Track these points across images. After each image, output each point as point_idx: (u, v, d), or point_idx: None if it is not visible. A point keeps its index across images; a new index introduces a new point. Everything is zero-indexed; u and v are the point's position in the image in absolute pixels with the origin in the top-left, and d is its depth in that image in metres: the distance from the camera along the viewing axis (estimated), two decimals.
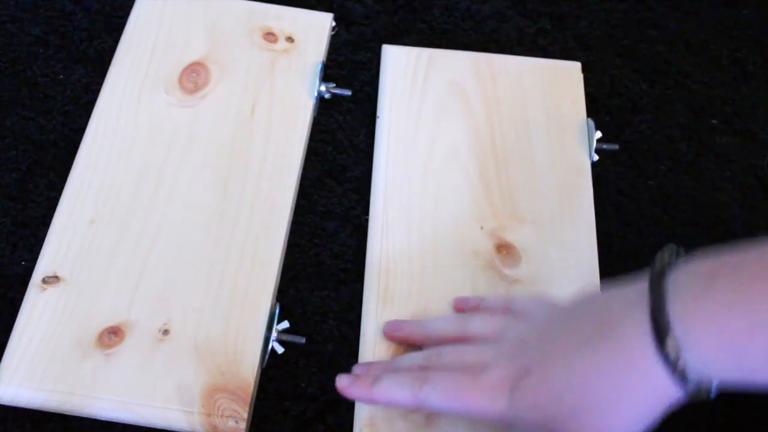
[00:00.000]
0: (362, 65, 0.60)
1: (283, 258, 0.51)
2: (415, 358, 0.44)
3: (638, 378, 0.33)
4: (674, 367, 0.32)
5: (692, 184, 0.57)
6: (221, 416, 0.44)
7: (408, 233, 0.52)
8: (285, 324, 0.48)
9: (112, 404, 0.44)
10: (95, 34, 0.60)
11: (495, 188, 0.54)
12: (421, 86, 0.58)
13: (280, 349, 0.47)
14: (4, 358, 0.45)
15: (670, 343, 0.32)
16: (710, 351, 0.32)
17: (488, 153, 0.55)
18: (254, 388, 0.46)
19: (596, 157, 0.56)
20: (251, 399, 0.45)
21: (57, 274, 0.48)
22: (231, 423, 0.44)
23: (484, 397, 0.38)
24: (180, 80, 0.56)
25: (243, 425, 0.44)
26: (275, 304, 0.49)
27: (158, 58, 0.57)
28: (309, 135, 0.56)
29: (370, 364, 0.46)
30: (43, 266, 0.48)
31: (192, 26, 0.59)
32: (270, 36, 0.59)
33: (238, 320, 0.47)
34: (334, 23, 0.61)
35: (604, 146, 0.56)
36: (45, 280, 0.48)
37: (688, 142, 0.59)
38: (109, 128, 0.54)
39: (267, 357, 0.47)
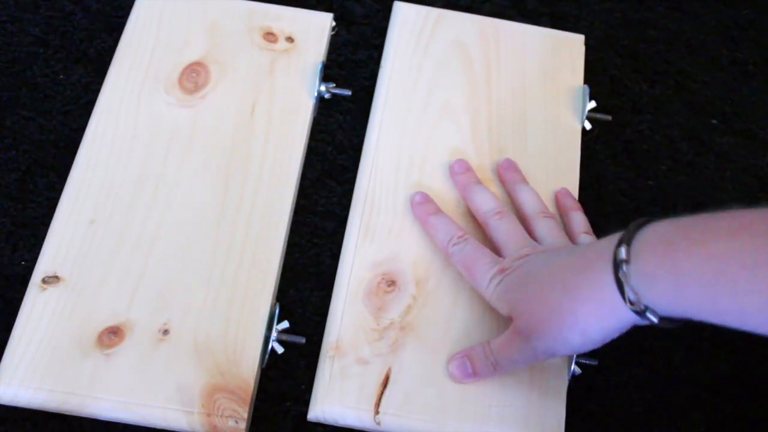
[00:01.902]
0: (362, 65, 0.60)
1: (283, 258, 0.51)
2: (487, 203, 0.51)
3: (596, 300, 0.40)
4: (623, 291, 0.38)
5: (692, 184, 0.57)
6: (221, 416, 0.44)
7: (396, 173, 0.54)
8: (285, 324, 0.48)
9: (112, 404, 0.44)
10: (95, 34, 0.60)
11: (485, 143, 0.55)
12: (425, 42, 0.59)
13: (280, 349, 0.47)
14: (4, 358, 0.45)
15: (623, 272, 0.38)
16: (659, 285, 0.37)
17: (482, 111, 0.57)
18: (254, 388, 0.46)
19: (588, 126, 0.57)
20: (251, 399, 0.45)
21: (57, 274, 0.48)
22: (231, 423, 0.44)
23: (482, 282, 0.47)
24: (180, 80, 0.56)
25: (243, 425, 0.44)
26: (275, 304, 0.49)
27: (158, 58, 0.57)
28: (309, 135, 0.56)
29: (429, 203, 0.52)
30: (43, 266, 0.48)
31: (192, 26, 0.59)
32: (270, 36, 0.59)
33: (238, 320, 0.47)
34: (334, 23, 0.61)
35: (598, 115, 0.57)
36: (45, 280, 0.48)
37: (688, 142, 0.59)
38: (109, 128, 0.54)
39: (267, 357, 0.47)
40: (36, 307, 0.47)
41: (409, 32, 0.60)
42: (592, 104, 0.57)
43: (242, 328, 0.47)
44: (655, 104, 0.60)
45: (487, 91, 0.58)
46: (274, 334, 0.47)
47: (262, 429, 0.46)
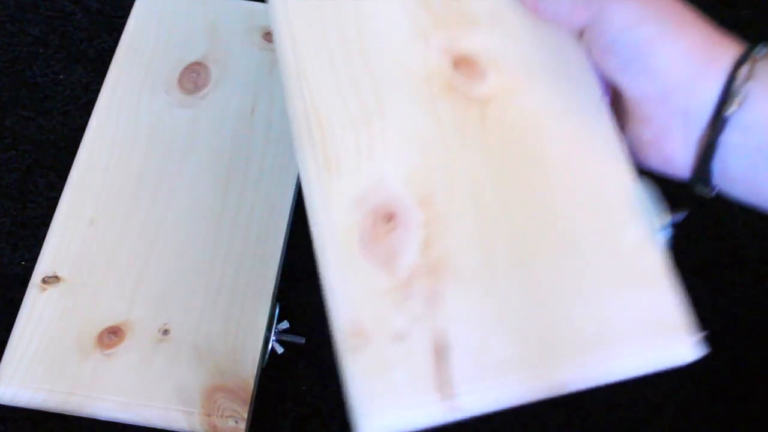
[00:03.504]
0: None
1: (283, 258, 0.51)
2: None
3: (703, 79, 0.34)
4: (730, 90, 0.33)
5: None
6: (221, 416, 0.44)
7: (332, 70, 0.38)
8: (285, 324, 0.48)
9: (112, 404, 0.44)
10: (95, 34, 0.60)
11: None
12: None
13: (279, 349, 0.48)
14: (4, 358, 0.45)
15: (738, 79, 0.33)
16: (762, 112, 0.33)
17: None
18: (254, 388, 0.46)
19: None
20: (251, 399, 0.45)
21: (57, 274, 0.48)
22: (231, 423, 0.44)
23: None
24: (180, 80, 0.56)
25: (243, 425, 0.44)
26: (275, 304, 0.49)
27: (158, 58, 0.57)
28: None
29: None
30: (43, 266, 0.48)
31: (192, 26, 0.59)
32: (270, 36, 0.59)
33: (238, 320, 0.47)
34: None
35: None
36: (45, 280, 0.48)
37: None
38: (109, 128, 0.54)
39: (267, 357, 0.47)
40: (36, 307, 0.47)
41: None
42: None
43: (242, 328, 0.47)
44: None
45: None
46: (274, 335, 0.47)
47: (262, 429, 0.46)
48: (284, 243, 0.51)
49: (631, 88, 0.36)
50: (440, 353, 0.33)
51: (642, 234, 0.35)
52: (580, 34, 0.38)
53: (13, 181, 0.53)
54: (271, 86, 0.57)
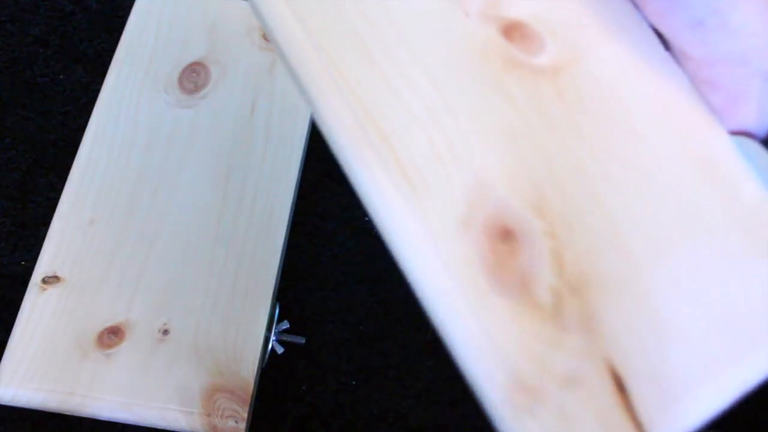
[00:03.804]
0: None
1: (283, 258, 0.51)
2: None
3: None
4: None
5: None
6: (221, 416, 0.44)
7: (373, 64, 0.31)
8: (285, 324, 0.48)
9: (112, 404, 0.44)
10: (95, 34, 0.60)
11: None
12: None
13: (280, 349, 0.48)
14: (4, 358, 0.45)
15: None
16: None
17: None
18: (254, 388, 0.46)
19: None
20: (251, 399, 0.45)
21: (57, 274, 0.48)
22: (231, 423, 0.44)
23: None
24: (180, 80, 0.56)
25: (243, 425, 0.44)
26: (275, 304, 0.49)
27: (158, 58, 0.57)
28: (309, 135, 0.56)
29: None
30: (43, 266, 0.48)
31: (192, 26, 0.59)
32: None
33: (238, 320, 0.47)
34: None
35: None
36: (45, 280, 0.48)
37: None
38: (109, 128, 0.54)
39: (267, 357, 0.47)
40: (36, 307, 0.47)
41: None
42: None
43: (242, 328, 0.47)
44: None
45: None
46: (274, 335, 0.47)
47: (262, 429, 0.46)
48: (284, 243, 0.51)
49: (702, 48, 0.32)
50: (620, 386, 0.27)
51: (760, 193, 0.30)
52: None
53: (13, 181, 0.53)
54: (272, 86, 0.57)
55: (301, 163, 0.54)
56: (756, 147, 0.32)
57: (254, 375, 0.46)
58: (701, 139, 0.32)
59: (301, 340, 0.48)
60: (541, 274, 0.28)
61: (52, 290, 0.48)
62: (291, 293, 0.51)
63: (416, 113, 0.30)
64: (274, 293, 0.49)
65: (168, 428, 0.45)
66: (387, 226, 0.28)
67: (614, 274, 0.29)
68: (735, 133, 0.33)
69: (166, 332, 0.47)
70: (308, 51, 0.31)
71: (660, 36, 0.33)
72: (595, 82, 0.32)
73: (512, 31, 0.33)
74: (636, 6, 0.34)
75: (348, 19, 0.32)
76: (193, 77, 0.57)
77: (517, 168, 0.30)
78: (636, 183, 0.30)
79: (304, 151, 0.55)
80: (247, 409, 0.44)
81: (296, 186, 0.53)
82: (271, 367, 0.48)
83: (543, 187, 0.30)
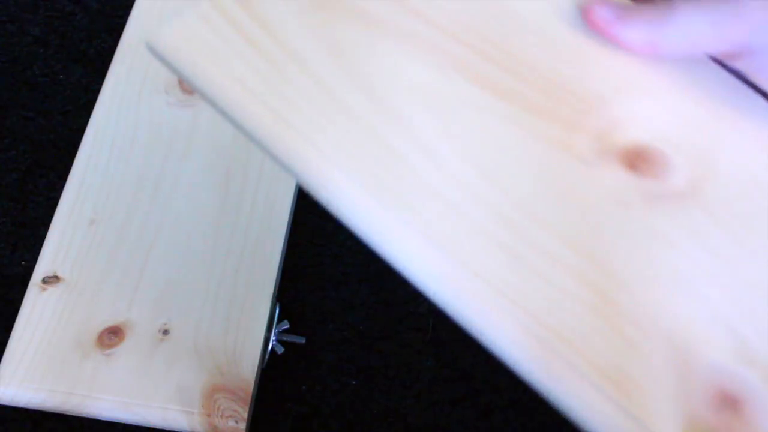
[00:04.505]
0: None
1: (283, 258, 0.51)
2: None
3: None
4: None
5: None
6: (221, 416, 0.44)
7: (507, 257, 0.27)
8: (285, 324, 0.48)
9: (112, 404, 0.44)
10: (95, 34, 0.60)
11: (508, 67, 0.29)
12: None
13: (280, 349, 0.48)
14: (4, 358, 0.45)
15: None
16: None
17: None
18: (254, 388, 0.46)
19: None
20: (251, 399, 0.45)
21: (57, 274, 0.48)
22: (231, 423, 0.44)
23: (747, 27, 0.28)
24: (180, 80, 0.56)
25: (243, 425, 0.44)
26: (275, 304, 0.49)
27: None
28: None
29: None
30: (43, 266, 0.48)
31: None
32: None
33: (238, 320, 0.47)
34: None
35: None
36: (45, 280, 0.48)
37: None
38: (109, 128, 0.54)
39: (267, 357, 0.47)
40: (36, 307, 0.47)
41: None
42: None
43: (242, 328, 0.47)
44: None
45: None
46: (274, 335, 0.47)
47: (262, 429, 0.46)
48: (284, 243, 0.51)
49: None
50: None
51: None
52: (729, 58, 0.29)
53: (13, 181, 0.53)
54: None
55: None
56: None
57: (254, 375, 0.46)
58: None
59: (301, 340, 0.48)
60: None
61: (52, 290, 0.48)
62: (291, 293, 0.51)
63: (587, 302, 0.26)
64: (274, 293, 0.49)
65: (168, 428, 0.45)
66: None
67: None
68: None
69: (166, 332, 0.47)
70: (462, 275, 0.27)
71: None
72: (739, 186, 0.29)
73: (635, 159, 0.29)
74: (745, 79, 0.30)
75: (480, 226, 0.27)
76: None
77: (708, 319, 0.26)
78: None
79: None
80: (247, 409, 0.44)
81: (296, 186, 0.53)
82: (271, 367, 0.48)
83: (743, 330, 0.26)
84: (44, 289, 0.48)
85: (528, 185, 0.28)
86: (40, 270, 0.48)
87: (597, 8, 0.30)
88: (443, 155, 0.28)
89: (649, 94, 0.30)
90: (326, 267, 0.52)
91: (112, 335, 0.46)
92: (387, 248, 0.27)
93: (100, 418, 0.45)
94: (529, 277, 0.26)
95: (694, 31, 0.28)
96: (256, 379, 0.46)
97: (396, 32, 0.30)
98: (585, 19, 0.30)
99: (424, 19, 0.30)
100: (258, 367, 0.46)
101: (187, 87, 0.56)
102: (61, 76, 0.58)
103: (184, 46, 0.29)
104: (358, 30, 0.29)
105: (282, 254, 0.51)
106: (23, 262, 0.50)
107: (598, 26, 0.30)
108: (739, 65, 0.29)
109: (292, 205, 0.53)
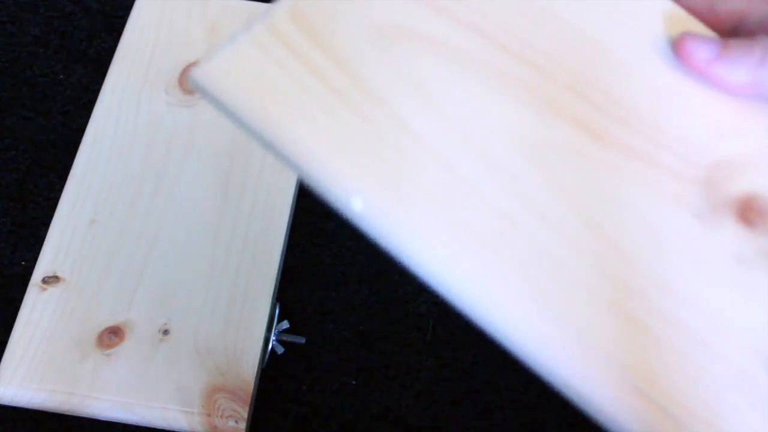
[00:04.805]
0: None
1: (283, 258, 0.51)
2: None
3: None
4: None
5: None
6: (221, 416, 0.44)
7: (640, 333, 0.25)
8: (285, 324, 0.48)
9: (112, 404, 0.44)
10: (95, 34, 0.60)
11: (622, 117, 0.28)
12: None
13: (280, 349, 0.48)
14: (4, 358, 0.45)
15: None
16: None
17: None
18: (254, 388, 0.46)
19: None
20: (251, 399, 0.45)
21: (57, 274, 0.48)
22: (231, 423, 0.44)
23: None
24: (180, 80, 0.56)
25: (243, 425, 0.44)
26: (275, 304, 0.49)
27: (158, 58, 0.57)
28: None
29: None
30: (43, 266, 0.48)
31: (192, 26, 0.59)
32: None
33: (238, 320, 0.47)
34: None
35: None
36: (45, 280, 0.48)
37: None
38: (109, 128, 0.54)
39: (267, 357, 0.47)
40: (36, 307, 0.47)
41: None
42: None
43: (242, 328, 0.47)
44: None
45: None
46: (274, 335, 0.47)
47: (262, 429, 0.46)
48: (284, 243, 0.51)
49: None
50: None
51: None
52: None
53: (13, 181, 0.53)
54: None
55: None
56: None
57: (254, 375, 0.46)
58: None
59: (301, 340, 0.48)
60: None
61: (52, 290, 0.48)
62: (291, 293, 0.51)
63: (723, 379, 0.25)
64: (274, 293, 0.49)
65: (168, 428, 0.45)
66: None
67: None
68: None
69: (166, 332, 0.47)
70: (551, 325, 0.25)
71: None
72: None
73: (747, 212, 0.27)
74: None
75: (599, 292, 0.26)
76: None
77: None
78: None
79: None
80: (247, 409, 0.44)
81: (296, 186, 0.53)
82: (271, 367, 0.48)
83: None
84: (44, 289, 0.48)
85: (639, 242, 0.26)
86: (40, 270, 0.48)
87: (693, 45, 0.28)
88: (548, 208, 0.25)
89: (755, 139, 0.28)
90: (326, 267, 0.52)
91: (112, 335, 0.46)
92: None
93: (100, 418, 0.45)
94: (659, 354, 0.25)
95: None
96: (256, 379, 0.46)
97: (484, 70, 0.27)
98: (680, 56, 0.28)
99: (509, 55, 0.27)
100: (258, 367, 0.46)
101: (187, 87, 0.56)
102: (61, 76, 0.58)
103: (237, 80, 0.24)
104: (440, 64, 0.26)
105: (282, 254, 0.51)
106: (23, 262, 0.50)
107: (696, 66, 0.28)
108: None
109: (292, 205, 0.53)
